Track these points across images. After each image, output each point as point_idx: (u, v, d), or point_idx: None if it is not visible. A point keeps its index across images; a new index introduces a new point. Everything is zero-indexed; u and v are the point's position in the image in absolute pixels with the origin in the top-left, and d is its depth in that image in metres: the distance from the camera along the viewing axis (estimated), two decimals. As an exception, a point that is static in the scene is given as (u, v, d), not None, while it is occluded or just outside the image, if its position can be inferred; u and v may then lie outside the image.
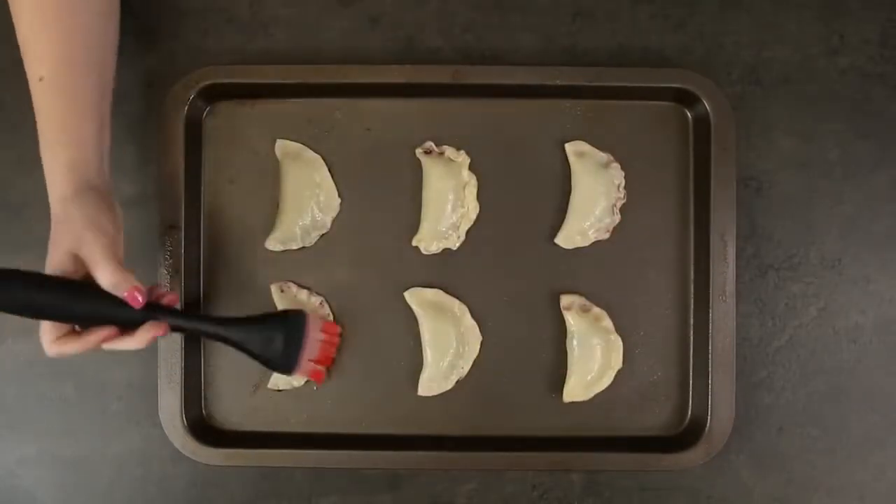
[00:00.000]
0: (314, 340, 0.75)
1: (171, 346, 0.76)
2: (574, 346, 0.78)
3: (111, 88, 0.71)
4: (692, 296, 0.79)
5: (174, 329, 0.69)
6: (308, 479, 0.80)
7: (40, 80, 0.67)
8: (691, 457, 0.76)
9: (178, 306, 0.74)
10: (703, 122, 0.78)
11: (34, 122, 0.80)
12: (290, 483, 0.80)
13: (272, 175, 0.79)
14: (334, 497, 0.80)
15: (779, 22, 0.81)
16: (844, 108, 0.81)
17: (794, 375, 0.80)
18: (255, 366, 0.78)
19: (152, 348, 0.77)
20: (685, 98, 0.78)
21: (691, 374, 0.79)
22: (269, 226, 0.79)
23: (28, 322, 0.79)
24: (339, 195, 0.79)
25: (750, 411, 0.80)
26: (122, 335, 0.66)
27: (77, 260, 0.65)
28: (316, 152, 0.79)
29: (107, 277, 0.64)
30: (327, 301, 0.79)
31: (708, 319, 0.76)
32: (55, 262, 0.65)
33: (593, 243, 0.79)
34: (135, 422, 0.80)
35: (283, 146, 0.79)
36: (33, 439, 0.81)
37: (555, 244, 0.79)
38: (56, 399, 0.80)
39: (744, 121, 0.80)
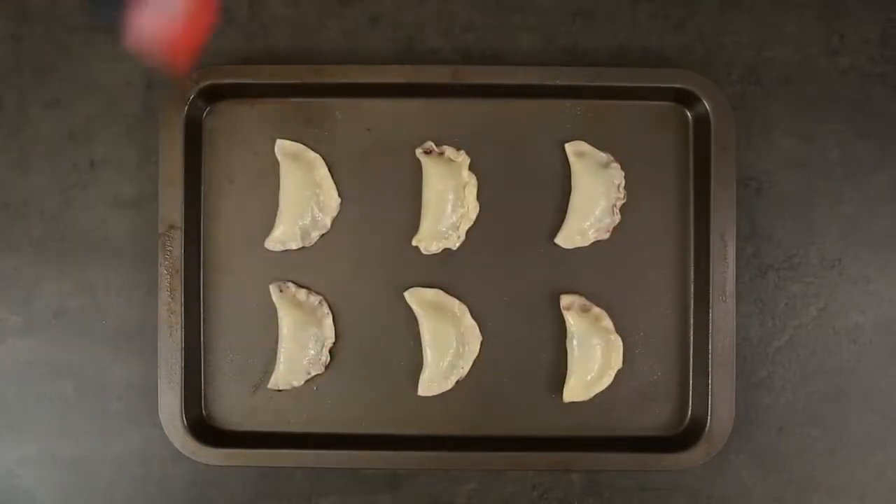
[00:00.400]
0: None
1: (172, 347, 0.76)
2: (574, 346, 0.78)
3: None
4: (692, 296, 0.79)
5: None
6: (308, 479, 0.80)
7: None
8: (691, 457, 0.76)
9: None
10: (703, 122, 0.78)
11: (34, 123, 0.81)
12: (290, 483, 0.80)
13: (272, 175, 0.79)
14: (334, 497, 0.80)
15: (779, 22, 0.81)
16: (844, 108, 0.81)
17: (794, 375, 0.80)
18: (255, 366, 0.79)
19: (152, 348, 0.77)
20: (685, 98, 0.78)
21: (691, 374, 0.79)
22: (268, 226, 0.79)
23: (28, 322, 0.80)
24: (339, 195, 0.79)
25: (750, 411, 0.80)
26: None
27: None
28: (316, 152, 0.79)
29: None
30: (327, 301, 0.79)
31: (708, 319, 0.76)
32: None
33: (593, 243, 0.79)
34: (135, 422, 0.80)
35: (282, 146, 0.79)
36: (33, 439, 0.81)
37: (555, 244, 0.79)
38: (56, 399, 0.80)
39: (744, 121, 0.80)
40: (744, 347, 0.80)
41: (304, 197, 0.78)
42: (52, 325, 0.80)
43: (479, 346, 0.79)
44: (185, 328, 0.77)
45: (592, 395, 0.78)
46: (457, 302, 0.79)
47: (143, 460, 0.80)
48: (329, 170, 0.79)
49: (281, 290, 0.79)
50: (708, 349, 0.76)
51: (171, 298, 0.76)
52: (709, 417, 0.76)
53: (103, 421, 0.80)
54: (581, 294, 0.78)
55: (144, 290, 0.80)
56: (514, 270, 0.79)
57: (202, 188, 0.79)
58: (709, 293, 0.76)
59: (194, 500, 0.80)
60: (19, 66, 0.81)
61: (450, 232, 0.78)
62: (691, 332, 0.79)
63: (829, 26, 0.81)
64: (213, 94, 0.79)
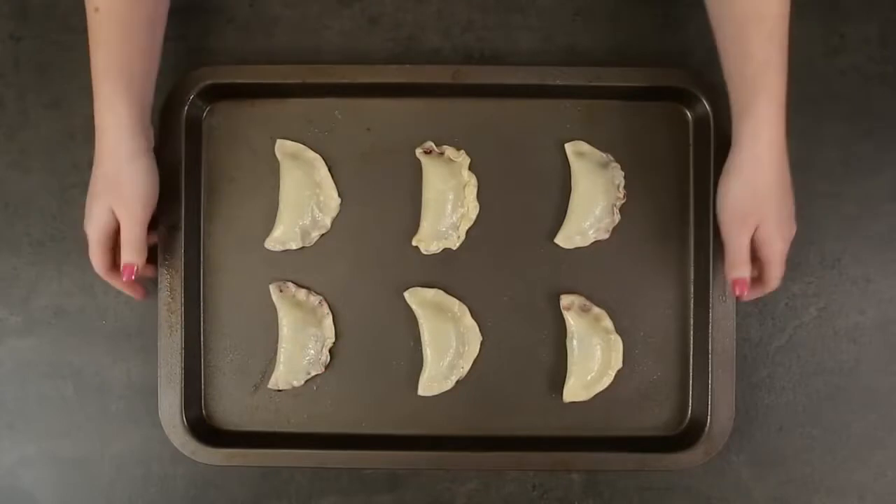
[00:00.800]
0: None
1: (172, 347, 0.77)
2: (574, 345, 0.78)
3: (163, 24, 0.73)
4: (692, 296, 0.79)
5: None
6: (308, 479, 0.80)
7: (96, 10, 0.69)
8: (691, 457, 0.76)
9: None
10: (703, 122, 0.78)
11: (34, 123, 0.81)
12: (290, 483, 0.80)
13: (272, 175, 0.79)
14: (334, 497, 0.80)
15: (779, 22, 0.81)
16: (844, 108, 0.81)
17: (794, 375, 0.80)
18: (255, 366, 0.79)
19: (152, 348, 0.77)
20: (685, 98, 0.78)
21: (691, 374, 0.79)
22: (268, 226, 0.79)
23: (28, 322, 0.80)
24: (339, 195, 0.79)
25: (750, 411, 0.80)
26: None
27: (113, 213, 0.71)
28: (316, 152, 0.79)
29: (127, 253, 0.72)
30: (327, 301, 0.79)
31: (708, 319, 0.76)
32: (98, 215, 0.71)
33: (593, 243, 0.79)
34: (135, 422, 0.80)
35: (282, 146, 0.79)
36: (33, 439, 0.81)
37: (555, 244, 0.79)
38: (56, 399, 0.80)
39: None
40: (744, 347, 0.80)
41: (304, 197, 0.78)
42: (52, 325, 0.80)
43: (479, 346, 0.79)
44: (185, 328, 0.77)
45: (592, 394, 0.78)
46: (457, 302, 0.79)
47: (143, 460, 0.80)
48: (329, 170, 0.79)
49: (281, 290, 0.79)
50: (708, 349, 0.76)
51: (171, 298, 0.76)
52: (709, 417, 0.76)
53: (103, 421, 0.80)
54: (581, 294, 0.78)
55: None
56: (514, 270, 0.79)
57: (202, 188, 0.79)
58: (709, 293, 0.76)
59: (194, 500, 0.80)
60: (19, 66, 0.81)
61: (450, 232, 0.78)
62: (691, 333, 0.79)
63: (829, 26, 0.81)
64: (213, 94, 0.79)
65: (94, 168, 0.71)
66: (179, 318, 0.77)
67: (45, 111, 0.81)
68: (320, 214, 0.79)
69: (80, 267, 0.80)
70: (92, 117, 0.70)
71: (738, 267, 0.70)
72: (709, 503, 0.80)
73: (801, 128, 0.80)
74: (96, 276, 0.78)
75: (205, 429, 0.78)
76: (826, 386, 0.80)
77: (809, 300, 0.80)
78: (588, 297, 0.78)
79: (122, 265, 0.72)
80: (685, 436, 0.78)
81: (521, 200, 0.79)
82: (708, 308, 0.76)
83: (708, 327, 0.76)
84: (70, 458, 0.81)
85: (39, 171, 0.81)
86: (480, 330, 0.79)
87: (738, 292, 0.71)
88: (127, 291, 0.75)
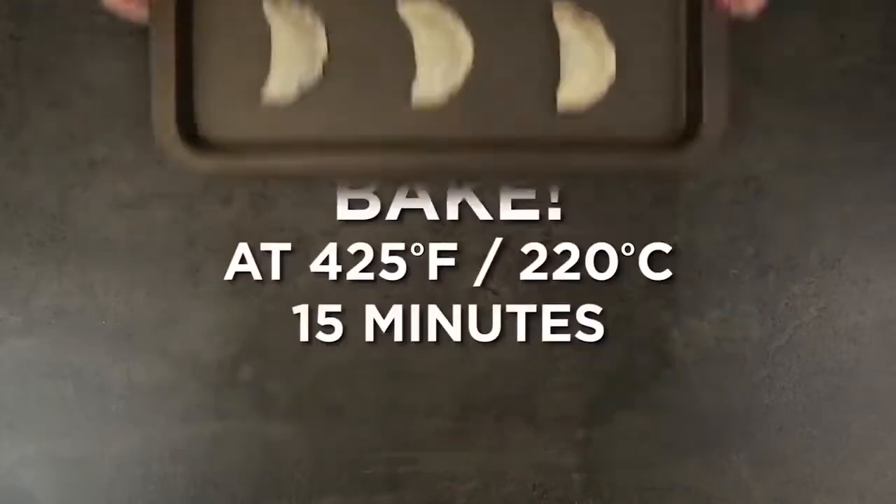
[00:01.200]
0: None
1: (164, 52, 0.74)
2: (567, 53, 0.77)
3: None
4: (685, 3, 0.77)
5: None
6: (308, 479, 0.80)
7: None
8: (685, 157, 0.75)
9: None
10: None
11: (34, 123, 0.81)
12: (290, 483, 0.80)
13: None
14: (334, 497, 0.80)
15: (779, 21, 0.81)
16: (844, 108, 0.81)
17: (794, 375, 0.80)
18: (248, 76, 0.77)
19: (152, 347, 0.77)
20: None
21: (685, 78, 0.77)
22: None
23: (28, 322, 0.80)
24: None
25: (750, 411, 0.80)
26: None
27: None
28: None
29: None
30: (320, 14, 0.77)
31: (700, 27, 0.75)
32: None
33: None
34: (135, 422, 0.80)
35: None
36: (33, 439, 0.81)
37: None
38: (56, 399, 0.81)
39: (744, 121, 0.80)
40: (744, 347, 0.80)
41: None
42: (52, 325, 0.80)
43: (472, 57, 0.77)
44: (177, 33, 0.75)
45: (586, 101, 0.77)
46: (450, 15, 0.77)
47: (143, 460, 0.80)
48: None
49: (274, 2, 0.77)
50: (701, 55, 0.75)
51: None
52: (703, 120, 0.75)
53: (103, 421, 0.80)
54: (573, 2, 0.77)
55: (144, 291, 0.80)
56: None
57: None
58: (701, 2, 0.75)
59: (194, 499, 0.80)
60: (19, 66, 0.81)
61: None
62: (683, 39, 0.77)
63: (829, 26, 0.81)
64: None
65: None
66: (171, 22, 0.74)
67: (45, 111, 0.81)
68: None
69: (80, 267, 0.80)
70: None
71: None
72: (709, 503, 0.80)
73: (801, 128, 0.80)
74: (96, 276, 0.78)
75: (198, 141, 0.76)
76: (826, 386, 0.80)
77: (809, 300, 0.80)
78: (581, 5, 0.77)
79: None
80: (680, 140, 0.76)
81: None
82: (700, 17, 0.75)
83: (700, 35, 0.75)
84: (70, 458, 0.81)
85: (39, 171, 0.81)
86: (474, 41, 0.77)
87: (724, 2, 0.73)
88: (135, 16, 0.73)
